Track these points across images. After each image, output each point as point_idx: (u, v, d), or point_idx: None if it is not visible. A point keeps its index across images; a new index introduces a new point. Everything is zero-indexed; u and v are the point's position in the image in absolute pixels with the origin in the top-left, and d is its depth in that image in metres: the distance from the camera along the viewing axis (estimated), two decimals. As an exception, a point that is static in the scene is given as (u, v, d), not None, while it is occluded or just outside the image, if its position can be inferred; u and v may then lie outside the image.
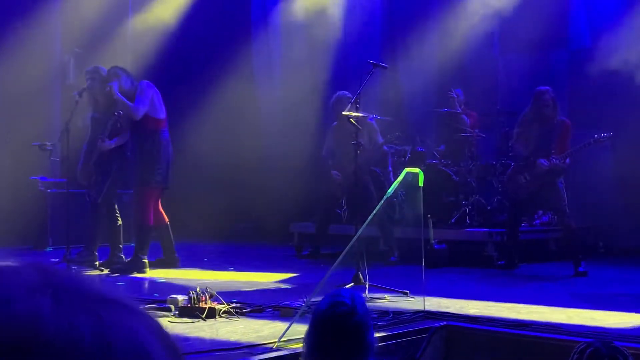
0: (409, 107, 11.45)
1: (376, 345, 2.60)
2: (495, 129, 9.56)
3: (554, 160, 7.66)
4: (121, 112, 7.59)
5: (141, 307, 0.67)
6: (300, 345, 4.05)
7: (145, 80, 7.75)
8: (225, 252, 9.91)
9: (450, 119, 9.86)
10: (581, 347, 2.53)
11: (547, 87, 7.96)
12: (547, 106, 7.78)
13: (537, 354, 4.40)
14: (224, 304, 5.07)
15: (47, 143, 10.20)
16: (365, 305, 2.67)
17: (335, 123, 9.01)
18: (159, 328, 0.66)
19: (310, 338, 2.53)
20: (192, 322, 4.77)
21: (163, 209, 7.99)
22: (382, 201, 5.81)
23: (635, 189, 9.92)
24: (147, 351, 0.61)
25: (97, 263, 7.81)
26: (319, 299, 4.99)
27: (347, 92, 8.52)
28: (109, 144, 7.67)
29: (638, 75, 9.64)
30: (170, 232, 8.03)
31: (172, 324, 4.73)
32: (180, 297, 5.10)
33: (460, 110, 9.78)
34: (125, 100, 7.47)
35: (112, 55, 10.03)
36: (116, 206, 7.92)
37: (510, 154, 8.95)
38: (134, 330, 0.62)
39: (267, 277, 7.35)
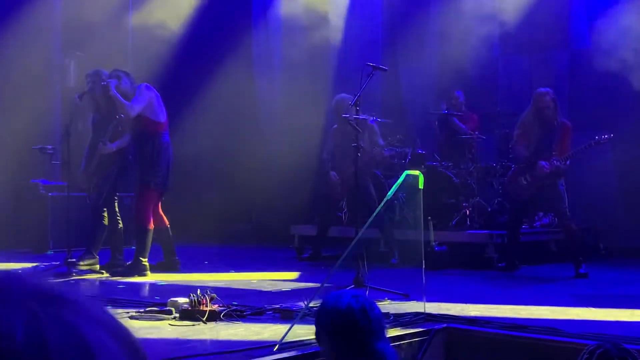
0: (410, 109, 11.45)
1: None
2: (495, 130, 9.56)
3: (555, 162, 7.65)
4: (122, 115, 7.61)
5: (93, 303, 0.66)
6: (302, 347, 4.06)
7: (145, 83, 7.76)
8: (226, 254, 9.91)
9: (447, 121, 9.90)
10: (591, 348, 2.54)
11: (548, 89, 7.95)
12: (548, 107, 7.77)
13: (538, 356, 4.40)
14: (224, 306, 5.08)
15: (47, 146, 10.21)
16: None
17: (335, 125, 9.01)
18: (112, 324, 0.65)
19: (336, 334, 2.55)
20: (193, 325, 4.77)
21: (164, 212, 8.00)
22: (382, 203, 5.81)
23: (636, 189, 9.92)
24: (89, 347, 0.60)
25: (97, 266, 7.81)
26: (319, 301, 4.99)
27: (347, 95, 8.52)
28: (110, 147, 7.69)
29: (638, 76, 9.64)
30: (171, 234, 8.04)
31: (173, 327, 4.73)
32: (181, 300, 5.11)
33: (452, 112, 9.78)
34: (121, 98, 7.48)
35: (112, 58, 10.03)
36: (117, 209, 7.93)
37: (511, 155, 8.94)
38: (74, 326, 0.61)
39: (267, 279, 7.35)
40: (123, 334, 0.66)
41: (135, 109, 7.51)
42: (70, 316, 0.62)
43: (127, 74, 7.76)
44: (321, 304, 2.74)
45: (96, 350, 0.61)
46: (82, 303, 0.64)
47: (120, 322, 0.67)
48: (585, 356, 2.52)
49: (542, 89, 7.94)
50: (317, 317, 2.70)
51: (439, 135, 9.97)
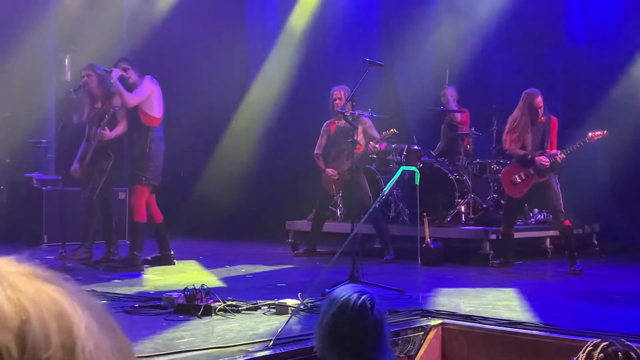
0: (406, 105, 11.46)
1: (390, 333, 2.71)
2: (490, 127, 9.56)
3: (553, 156, 7.64)
4: (117, 107, 7.62)
5: (84, 292, 0.70)
6: (297, 342, 4.07)
7: (150, 76, 7.74)
8: (221, 249, 9.90)
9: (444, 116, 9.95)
10: (595, 341, 2.56)
11: (536, 89, 7.91)
12: (541, 107, 7.77)
13: (532, 352, 4.41)
14: (219, 301, 5.07)
15: (42, 140, 10.20)
16: None
17: (328, 121, 9.01)
18: (98, 310, 0.69)
19: (332, 325, 2.53)
20: (188, 320, 4.76)
21: (159, 207, 7.99)
22: (378, 199, 5.82)
23: (629, 186, 9.95)
24: (70, 321, 0.65)
25: (92, 261, 7.80)
26: (314, 297, 5.01)
27: (344, 87, 8.52)
28: (109, 135, 7.67)
29: (632, 73, 9.66)
30: (165, 229, 8.03)
31: (168, 322, 4.72)
32: (176, 295, 5.10)
33: (455, 108, 9.82)
34: (122, 87, 7.49)
35: (107, 53, 10.01)
36: (111, 203, 7.92)
37: (506, 152, 8.96)
38: (57, 301, 0.65)
39: (262, 274, 7.35)
40: (107, 320, 0.69)
41: (136, 100, 7.54)
42: (55, 294, 0.66)
43: (132, 64, 7.75)
44: (327, 298, 2.71)
45: (75, 326, 0.64)
46: (71, 287, 0.68)
47: (105, 310, 0.70)
48: (589, 348, 2.53)
49: (532, 90, 7.89)
50: (321, 312, 2.67)
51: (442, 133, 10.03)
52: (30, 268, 0.69)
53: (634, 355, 2.46)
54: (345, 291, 2.58)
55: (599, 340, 2.53)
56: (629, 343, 2.53)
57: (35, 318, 0.63)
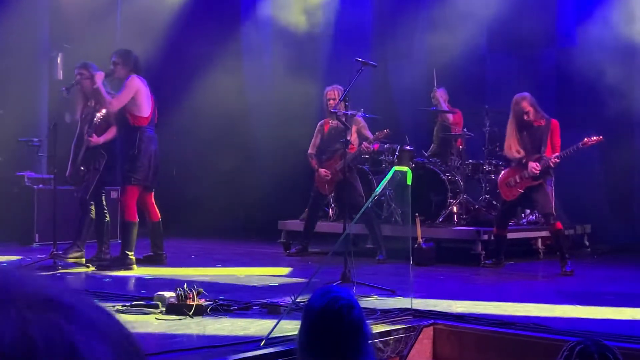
0: (399, 105, 11.46)
1: (372, 335, 2.66)
2: (482, 127, 9.57)
3: (545, 160, 7.63)
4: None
5: (91, 308, 0.65)
6: (288, 342, 4.06)
7: (135, 75, 7.65)
8: (213, 249, 9.89)
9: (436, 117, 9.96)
10: (571, 344, 2.56)
11: (525, 93, 7.90)
12: (527, 113, 7.76)
13: (523, 352, 4.42)
14: (211, 301, 5.07)
15: (34, 139, 10.17)
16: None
17: (321, 121, 9.01)
18: (109, 331, 0.65)
19: (308, 333, 2.52)
20: (179, 319, 4.75)
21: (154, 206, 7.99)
22: (370, 199, 5.82)
23: (622, 188, 9.98)
24: (78, 353, 0.61)
25: (84, 260, 7.78)
26: (307, 296, 5.00)
27: (338, 86, 8.51)
28: (97, 140, 7.65)
29: (625, 74, 9.67)
30: (161, 229, 8.02)
31: (160, 321, 4.72)
32: (168, 294, 5.09)
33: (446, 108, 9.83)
34: (104, 92, 7.47)
35: (100, 51, 9.98)
36: (104, 203, 7.91)
37: (499, 153, 8.97)
38: (64, 332, 0.61)
39: (254, 274, 7.34)
40: (120, 340, 0.65)
41: (114, 106, 7.49)
42: (61, 321, 0.62)
43: (124, 59, 7.67)
44: (304, 307, 2.71)
45: (85, 357, 0.61)
46: (77, 308, 0.64)
47: (119, 328, 0.67)
48: (566, 353, 2.54)
49: (519, 95, 7.89)
50: (300, 322, 2.67)
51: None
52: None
53: (611, 356, 2.46)
54: (320, 298, 2.56)
55: (575, 343, 2.53)
56: (605, 343, 2.53)
57: None
